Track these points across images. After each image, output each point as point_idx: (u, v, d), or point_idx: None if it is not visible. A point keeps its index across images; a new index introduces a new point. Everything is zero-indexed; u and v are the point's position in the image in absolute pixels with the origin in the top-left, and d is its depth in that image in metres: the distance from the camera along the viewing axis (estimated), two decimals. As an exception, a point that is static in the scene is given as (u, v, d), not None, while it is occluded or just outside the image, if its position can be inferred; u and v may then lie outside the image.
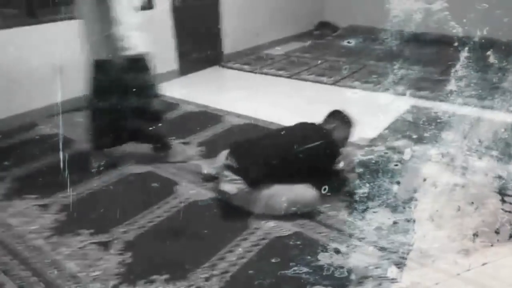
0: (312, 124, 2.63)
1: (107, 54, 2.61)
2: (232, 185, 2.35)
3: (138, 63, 2.74)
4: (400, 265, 1.96)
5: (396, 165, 2.85)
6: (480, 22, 4.48)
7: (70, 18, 3.93)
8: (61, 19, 3.91)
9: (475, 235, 2.12)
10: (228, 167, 2.41)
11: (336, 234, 2.19)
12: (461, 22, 4.36)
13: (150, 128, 2.91)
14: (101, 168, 2.88)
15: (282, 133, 2.60)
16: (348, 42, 6.41)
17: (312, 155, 2.40)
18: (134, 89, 2.78)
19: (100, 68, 2.71)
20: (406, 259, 1.99)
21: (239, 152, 2.47)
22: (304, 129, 2.59)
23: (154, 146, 3.05)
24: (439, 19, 4.82)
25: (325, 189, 2.42)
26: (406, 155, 2.94)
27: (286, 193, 2.32)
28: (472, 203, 2.36)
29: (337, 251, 2.05)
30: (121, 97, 2.77)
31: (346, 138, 2.71)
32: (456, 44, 4.28)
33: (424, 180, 2.63)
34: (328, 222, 2.30)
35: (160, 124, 2.96)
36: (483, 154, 2.94)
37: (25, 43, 3.66)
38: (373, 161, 2.91)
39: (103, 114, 2.83)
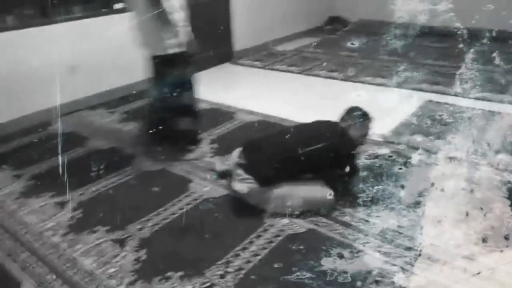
0: (328, 122, 2.58)
1: (163, 49, 2.75)
2: (243, 184, 2.35)
3: (189, 59, 2.87)
4: (407, 270, 1.91)
5: (401, 168, 2.78)
6: (487, 23, 4.41)
7: (83, 18, 4.00)
8: (75, 18, 3.96)
9: (484, 240, 2.06)
10: (240, 166, 2.42)
11: (341, 238, 2.15)
12: (467, 23, 4.30)
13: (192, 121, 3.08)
14: (100, 172, 2.87)
15: (296, 130, 2.56)
16: (352, 44, 6.24)
17: (326, 154, 2.36)
18: (185, 84, 2.94)
19: (159, 63, 2.85)
20: (413, 265, 1.94)
21: (250, 150, 2.46)
22: (318, 127, 2.55)
23: (186, 142, 3.11)
24: (444, 20, 4.73)
25: (330, 194, 2.36)
26: (414, 159, 2.86)
27: (299, 192, 2.31)
28: (482, 208, 2.29)
29: (341, 256, 2.02)
30: (175, 92, 2.90)
31: (364, 135, 2.62)
32: (461, 45, 4.20)
33: (432, 184, 2.56)
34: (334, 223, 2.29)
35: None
36: (491, 157, 2.84)
37: (39, 43, 3.69)
38: (377, 164, 2.84)
39: (161, 111, 2.97)
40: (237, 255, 2.05)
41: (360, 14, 7.24)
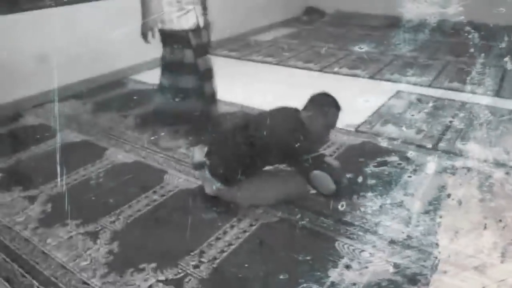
0: (287, 110, 2.38)
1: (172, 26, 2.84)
2: (211, 186, 2.33)
3: (200, 34, 2.94)
4: (419, 281, 1.84)
5: (410, 176, 2.62)
6: (498, 27, 4.40)
7: (53, 6, 3.89)
8: (44, 7, 3.84)
9: (503, 252, 1.99)
10: (206, 165, 2.36)
11: (349, 247, 2.06)
12: (477, 27, 4.27)
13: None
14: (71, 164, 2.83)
15: (254, 122, 2.36)
16: (360, 48, 6.05)
17: (285, 146, 2.21)
18: (201, 72, 3.02)
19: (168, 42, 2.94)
20: (429, 277, 1.86)
21: (211, 151, 2.38)
22: (275, 117, 2.34)
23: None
24: (454, 24, 4.67)
25: (342, 206, 2.30)
26: (429, 169, 2.70)
27: (269, 185, 2.30)
28: (500, 220, 2.19)
29: (348, 267, 1.93)
30: (185, 72, 2.98)
31: (331, 125, 2.38)
32: (472, 49, 4.17)
33: (449, 196, 2.41)
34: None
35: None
36: (506, 165, 2.72)
37: (8, 32, 3.58)
38: (386, 172, 2.67)
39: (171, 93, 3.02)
40: (210, 244, 2.06)
41: (337, 5, 7.27)
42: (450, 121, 3.36)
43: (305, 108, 2.36)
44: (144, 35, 2.93)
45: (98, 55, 4.17)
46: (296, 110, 2.37)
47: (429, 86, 4.14)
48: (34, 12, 3.75)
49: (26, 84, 3.73)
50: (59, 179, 2.61)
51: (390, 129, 3.23)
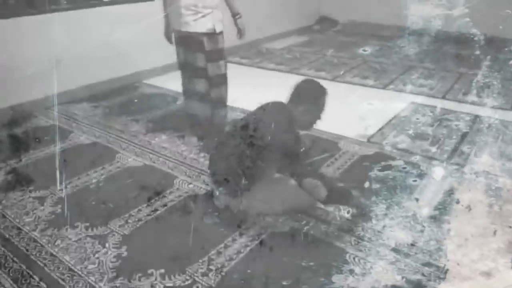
0: (274, 105, 2.27)
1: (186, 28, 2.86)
2: (219, 199, 2.31)
3: (216, 39, 2.96)
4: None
5: (415, 180, 2.61)
6: (505, 29, 4.37)
7: (69, 9, 3.93)
8: (62, 10, 3.88)
9: None
10: (211, 176, 2.35)
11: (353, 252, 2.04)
12: (483, 29, 4.23)
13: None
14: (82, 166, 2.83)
15: (245, 129, 2.23)
16: (364, 50, 6.07)
17: (278, 145, 2.12)
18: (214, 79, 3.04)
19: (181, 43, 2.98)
20: (436, 284, 1.83)
21: (212, 165, 2.36)
22: (264, 114, 2.23)
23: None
24: (459, 26, 4.64)
25: (348, 212, 2.26)
26: (437, 174, 2.68)
27: (278, 195, 2.25)
28: (510, 227, 2.17)
29: (352, 273, 1.90)
30: (196, 76, 3.00)
31: (321, 111, 2.26)
32: (478, 52, 4.14)
33: (458, 202, 2.37)
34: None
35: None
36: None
37: (23, 34, 3.62)
38: (391, 177, 2.65)
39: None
40: (219, 253, 2.04)
41: (351, 15, 7.26)
42: (456, 125, 3.37)
43: (292, 99, 2.25)
44: (168, 37, 3.03)
45: (111, 59, 4.19)
46: (284, 105, 2.25)
47: (439, 96, 4.10)
48: (47, 16, 3.78)
49: (39, 86, 3.75)
50: (63, 182, 2.62)
51: (401, 139, 3.19)
